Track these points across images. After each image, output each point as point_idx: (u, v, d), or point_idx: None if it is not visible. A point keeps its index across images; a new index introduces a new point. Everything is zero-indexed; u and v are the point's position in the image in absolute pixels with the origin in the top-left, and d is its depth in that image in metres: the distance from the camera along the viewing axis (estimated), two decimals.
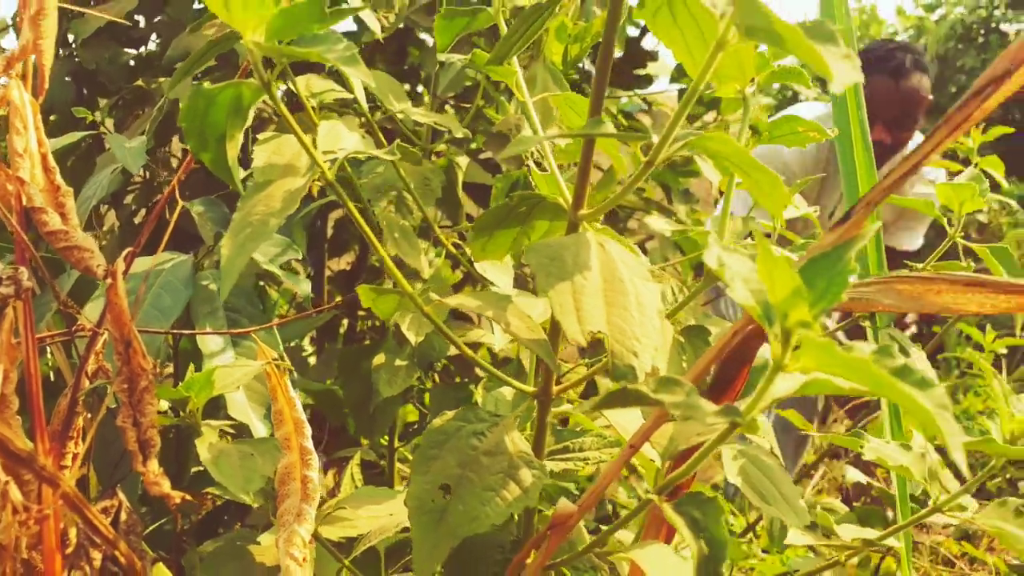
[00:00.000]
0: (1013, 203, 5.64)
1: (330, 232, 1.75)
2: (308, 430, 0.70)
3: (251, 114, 0.60)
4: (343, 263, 1.86)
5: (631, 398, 0.45)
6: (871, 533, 0.71)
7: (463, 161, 1.26)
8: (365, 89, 0.98)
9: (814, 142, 0.69)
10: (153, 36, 1.60)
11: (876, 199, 0.47)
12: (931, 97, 2.21)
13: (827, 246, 0.44)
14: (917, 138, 2.38)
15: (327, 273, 1.77)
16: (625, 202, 1.59)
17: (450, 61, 0.76)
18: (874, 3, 9.83)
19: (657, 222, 1.50)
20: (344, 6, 0.55)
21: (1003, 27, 6.03)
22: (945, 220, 0.89)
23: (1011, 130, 1.47)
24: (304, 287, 0.86)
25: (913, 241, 2.37)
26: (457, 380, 1.38)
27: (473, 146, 1.51)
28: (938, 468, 0.75)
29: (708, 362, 0.57)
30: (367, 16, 0.90)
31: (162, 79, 1.55)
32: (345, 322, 1.64)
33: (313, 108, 0.97)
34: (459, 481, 0.61)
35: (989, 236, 5.10)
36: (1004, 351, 1.77)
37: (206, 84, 0.56)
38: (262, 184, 0.57)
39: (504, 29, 0.69)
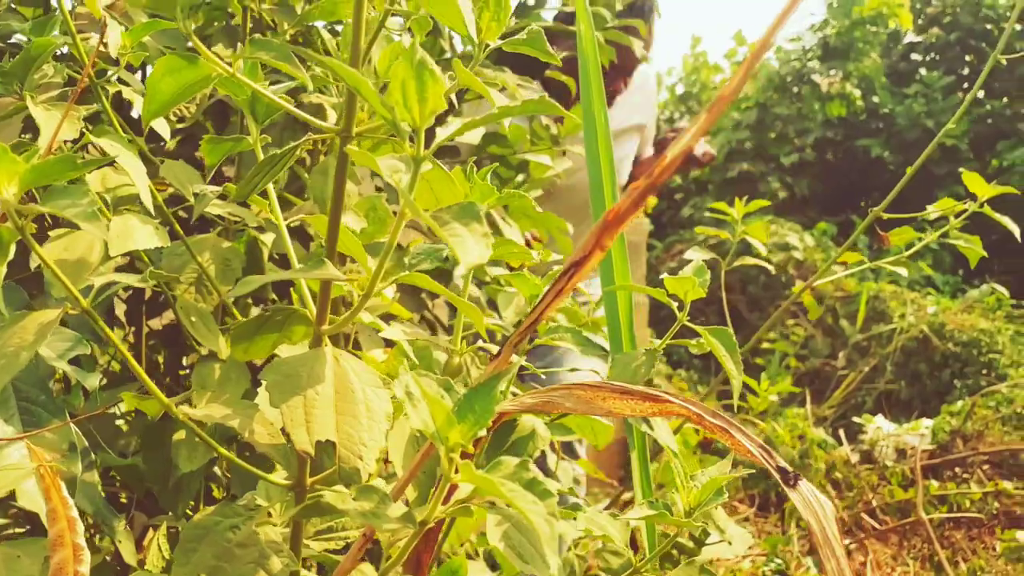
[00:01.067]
0: (828, 240, 6.10)
1: (148, 292, 1.78)
2: (81, 527, 0.76)
3: (12, 249, 0.66)
4: (166, 319, 1.88)
5: (324, 509, 0.54)
6: None
7: (268, 238, 1.33)
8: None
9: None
10: None
11: (526, 334, 0.58)
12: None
13: (486, 375, 0.55)
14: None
15: (146, 330, 1.79)
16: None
17: (203, 192, 0.83)
18: (705, 50, 10.75)
19: (473, 289, 1.61)
20: (95, 157, 0.62)
21: (815, 78, 6.58)
22: (676, 305, 1.02)
23: (767, 203, 1.67)
24: (92, 381, 0.91)
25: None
26: None
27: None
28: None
29: (421, 460, 0.66)
30: (156, 123, 0.96)
31: None
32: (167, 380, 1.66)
33: (106, 203, 1.02)
34: (214, 572, 0.68)
35: (805, 272, 5.53)
36: None
37: None
38: (17, 316, 0.63)
39: (260, 156, 0.78)
